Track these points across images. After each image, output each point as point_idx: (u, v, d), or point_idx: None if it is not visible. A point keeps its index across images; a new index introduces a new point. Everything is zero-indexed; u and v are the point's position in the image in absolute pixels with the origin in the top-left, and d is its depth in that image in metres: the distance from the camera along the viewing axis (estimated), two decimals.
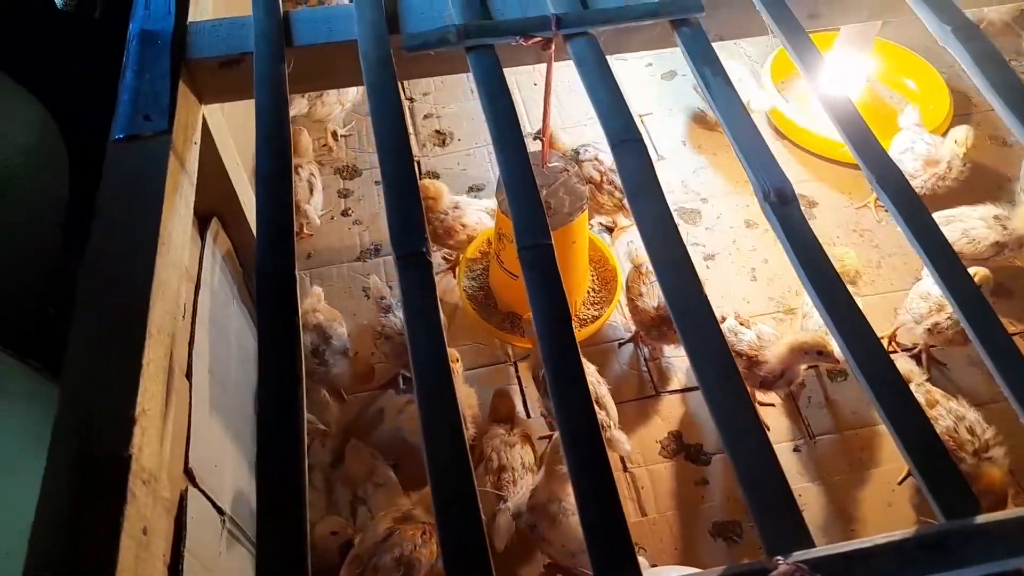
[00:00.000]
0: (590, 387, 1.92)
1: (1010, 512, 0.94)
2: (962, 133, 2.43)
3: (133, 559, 0.97)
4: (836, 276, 1.16)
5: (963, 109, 2.94)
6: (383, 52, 1.43)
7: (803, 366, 1.95)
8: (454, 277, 2.36)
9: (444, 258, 2.59)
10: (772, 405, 2.19)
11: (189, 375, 1.49)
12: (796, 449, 2.12)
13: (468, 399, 2.00)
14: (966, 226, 2.25)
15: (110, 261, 1.16)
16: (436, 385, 1.04)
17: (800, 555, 0.89)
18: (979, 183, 2.67)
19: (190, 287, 1.60)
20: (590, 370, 1.96)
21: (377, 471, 1.88)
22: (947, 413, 1.90)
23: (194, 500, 1.38)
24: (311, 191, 2.44)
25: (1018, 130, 1.30)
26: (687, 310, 1.11)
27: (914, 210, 1.23)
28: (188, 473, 1.39)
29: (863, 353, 1.09)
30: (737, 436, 1.00)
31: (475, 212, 2.26)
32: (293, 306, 1.11)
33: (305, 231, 2.49)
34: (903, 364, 1.98)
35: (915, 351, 2.28)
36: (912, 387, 1.87)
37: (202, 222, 1.75)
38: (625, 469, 2.09)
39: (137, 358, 1.03)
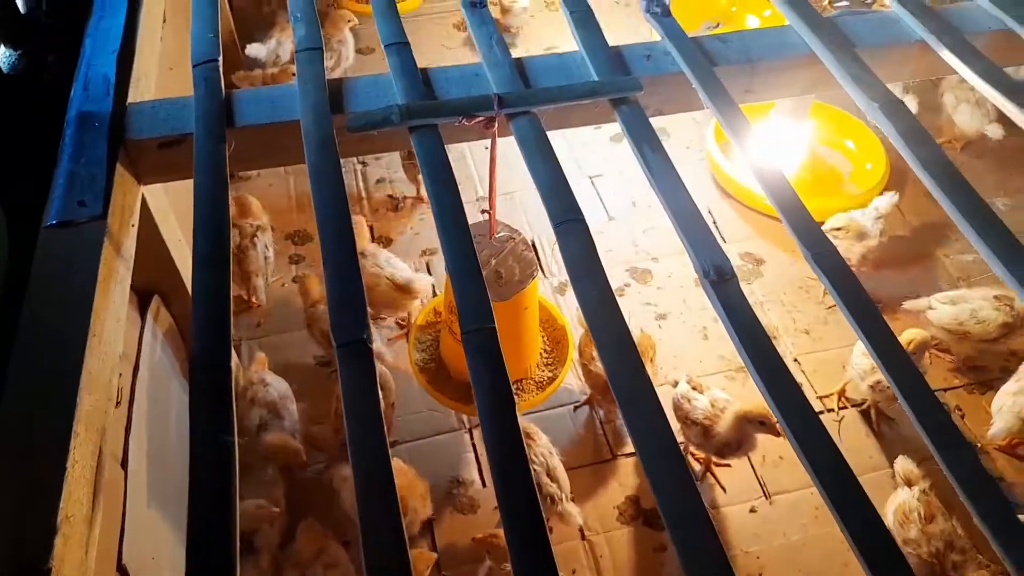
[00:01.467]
0: (542, 459, 1.93)
1: None
2: (884, 202, 2.56)
3: None
4: (771, 346, 1.17)
5: (900, 164, 3.05)
6: (326, 131, 1.43)
7: (755, 433, 1.97)
8: (407, 342, 2.34)
9: (398, 323, 2.58)
10: (728, 465, 2.19)
11: (124, 464, 1.44)
12: (753, 510, 2.12)
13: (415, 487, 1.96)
14: (973, 307, 2.28)
15: (37, 354, 1.12)
16: (377, 485, 1.02)
17: None
18: (916, 243, 2.77)
19: (128, 369, 1.55)
20: (542, 441, 1.94)
21: (328, 551, 1.82)
22: (939, 534, 1.83)
23: None
24: (264, 260, 2.41)
25: (944, 201, 1.35)
26: (629, 389, 1.11)
27: (843, 279, 1.26)
28: (121, 571, 1.33)
29: (801, 426, 1.10)
30: (675, 507, 0.99)
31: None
32: (227, 400, 1.08)
33: (254, 302, 2.46)
34: (904, 465, 1.97)
35: (863, 407, 2.31)
36: (915, 492, 1.89)
37: (142, 299, 1.71)
38: (583, 537, 2.06)
39: (61, 462, 0.99)
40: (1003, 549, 0.98)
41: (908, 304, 2.38)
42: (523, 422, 1.99)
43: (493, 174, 1.73)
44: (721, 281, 1.25)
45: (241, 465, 1.98)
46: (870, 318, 1.23)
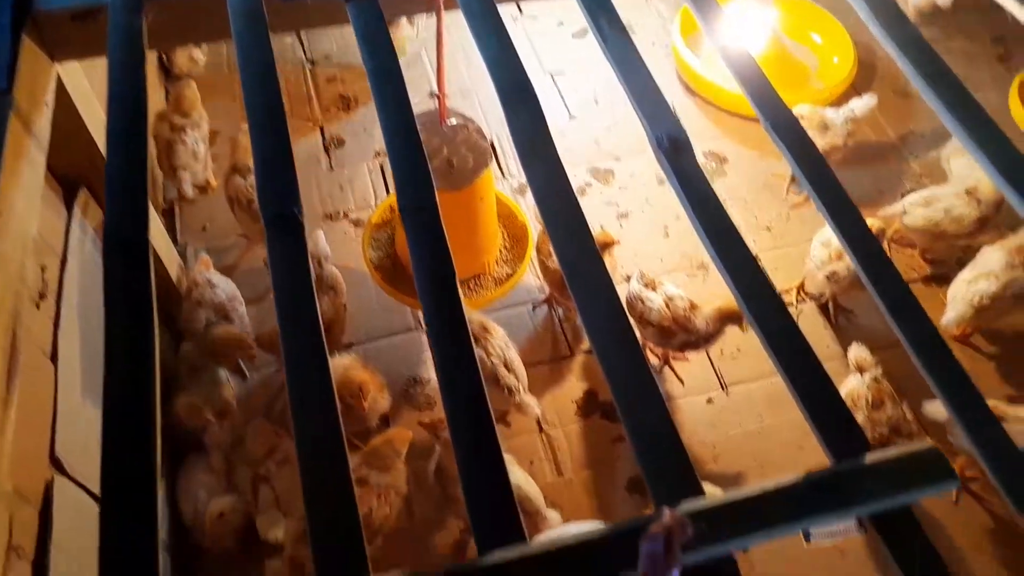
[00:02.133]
0: (499, 351, 1.90)
1: (898, 450, 0.94)
2: (862, 105, 2.50)
3: None
4: (730, 225, 1.13)
5: (868, 60, 2.97)
6: (253, 2, 1.32)
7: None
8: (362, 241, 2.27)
9: (353, 224, 2.50)
10: (686, 359, 2.19)
11: (54, 358, 1.38)
12: (709, 401, 2.13)
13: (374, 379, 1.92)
14: (946, 206, 2.24)
15: None
16: (309, 371, 0.97)
17: (688, 506, 0.86)
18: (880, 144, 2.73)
19: (54, 262, 1.47)
20: (498, 334, 1.91)
21: (280, 448, 1.80)
22: (886, 420, 1.86)
23: (63, 490, 1.27)
24: (194, 156, 2.28)
25: (919, 83, 1.28)
26: (581, 273, 1.06)
27: (812, 161, 1.20)
28: (55, 462, 1.28)
29: (756, 301, 1.07)
30: (629, 394, 0.96)
31: None
32: (146, 276, 1.01)
33: (188, 195, 2.33)
34: (857, 352, 1.97)
35: (822, 300, 2.31)
36: (866, 378, 1.90)
37: (68, 192, 1.61)
38: (541, 430, 2.06)
39: None
40: (955, 410, 0.97)
41: (881, 212, 2.35)
42: (479, 316, 1.96)
43: (440, 53, 1.63)
44: (675, 151, 1.19)
45: (190, 368, 1.93)
46: (829, 189, 1.18)
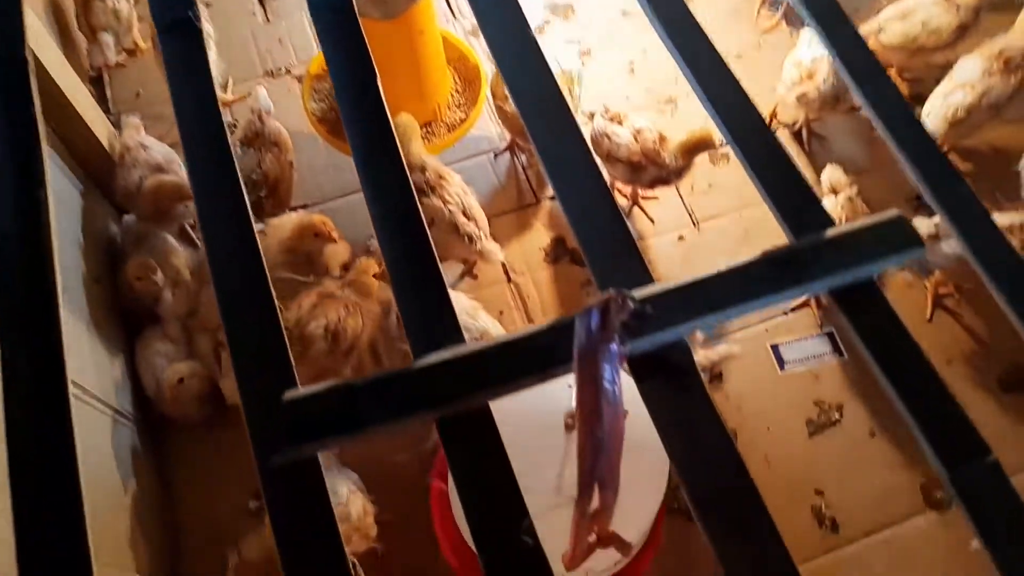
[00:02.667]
0: (456, 198, 1.80)
1: (861, 222, 0.87)
2: None
3: None
4: (713, 50, 1.00)
5: None
6: None
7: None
8: (301, 94, 2.13)
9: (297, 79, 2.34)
10: (656, 198, 2.11)
11: None
12: (681, 238, 2.07)
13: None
14: (923, 18, 2.07)
15: None
16: (213, 171, 0.87)
17: (638, 292, 0.80)
18: None
19: None
20: (454, 180, 1.81)
21: None
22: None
23: None
24: (115, 16, 2.10)
25: None
26: (540, 113, 0.94)
27: None
28: None
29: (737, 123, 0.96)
30: (567, 178, 0.87)
31: None
32: (28, 95, 0.90)
33: (111, 61, 2.16)
34: (832, 173, 1.90)
35: (795, 127, 2.21)
36: (840, 198, 1.84)
37: None
38: (509, 280, 2.00)
39: None
40: (948, 215, 0.89)
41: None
42: (434, 162, 1.85)
43: None
44: None
45: (135, 238, 1.84)
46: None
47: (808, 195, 0.88)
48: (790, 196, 0.88)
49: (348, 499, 1.50)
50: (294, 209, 2.03)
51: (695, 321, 0.79)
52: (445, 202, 1.78)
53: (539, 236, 2.07)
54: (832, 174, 1.89)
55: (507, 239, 2.04)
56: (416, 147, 1.78)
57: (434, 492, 1.46)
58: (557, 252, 2.04)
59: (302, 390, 0.74)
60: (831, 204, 1.84)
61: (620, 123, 1.92)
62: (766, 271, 0.83)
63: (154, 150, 1.85)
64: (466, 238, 1.78)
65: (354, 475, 1.59)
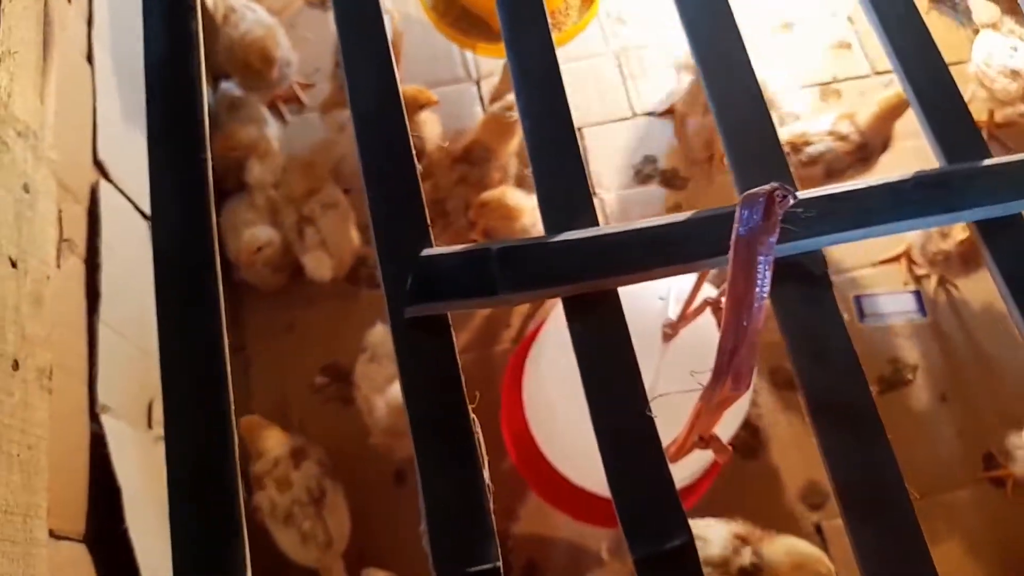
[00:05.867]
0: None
1: (1014, 156, 0.83)
2: None
3: (13, 216, 0.84)
4: None
5: None
6: None
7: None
8: None
9: None
10: None
11: (90, 59, 1.29)
12: None
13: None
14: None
15: None
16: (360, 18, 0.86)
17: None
18: None
19: None
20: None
21: (326, 190, 1.75)
22: None
23: (108, 194, 1.24)
24: None
25: None
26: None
27: None
28: (98, 165, 1.24)
29: None
30: (711, 54, 0.84)
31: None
32: None
33: None
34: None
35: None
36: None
37: None
38: (595, 194, 1.98)
39: None
40: None
41: None
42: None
43: None
44: None
45: (229, 105, 1.86)
46: None
47: (967, 121, 0.84)
48: (947, 119, 0.84)
49: None
50: None
51: (839, 234, 0.77)
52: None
53: (630, 153, 2.03)
54: None
55: (597, 152, 2.01)
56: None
57: (506, 391, 1.48)
58: (648, 172, 2.01)
59: (438, 249, 0.75)
60: None
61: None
62: (915, 192, 0.80)
63: (260, 14, 1.83)
64: None
65: None
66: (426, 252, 0.75)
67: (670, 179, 1.98)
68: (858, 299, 1.91)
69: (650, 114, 2.05)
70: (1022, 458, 1.57)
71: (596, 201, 1.98)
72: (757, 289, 0.65)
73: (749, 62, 0.84)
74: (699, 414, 0.72)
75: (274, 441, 1.54)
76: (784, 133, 1.73)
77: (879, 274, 1.91)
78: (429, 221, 0.77)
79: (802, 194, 0.78)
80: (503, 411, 1.44)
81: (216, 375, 0.70)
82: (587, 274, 0.75)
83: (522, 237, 1.37)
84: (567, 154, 0.81)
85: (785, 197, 0.66)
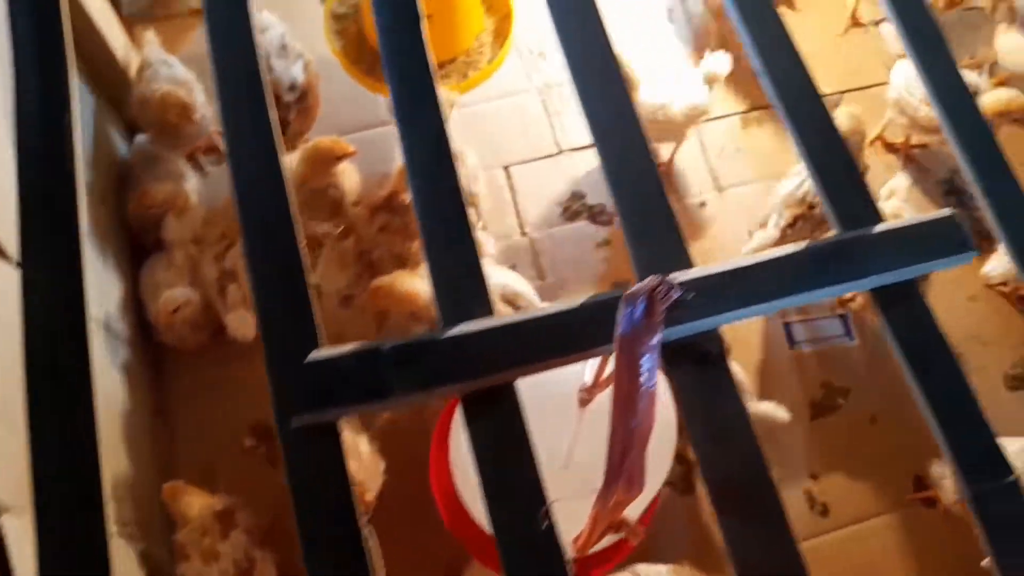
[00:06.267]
0: (464, 180, 1.73)
1: (908, 220, 0.84)
2: None
3: None
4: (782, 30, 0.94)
5: None
6: None
7: None
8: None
9: None
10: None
11: None
12: (703, 204, 2.03)
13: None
14: None
15: None
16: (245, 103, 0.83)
17: (678, 276, 0.77)
18: None
19: None
20: (469, 163, 1.74)
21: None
22: None
23: None
24: None
25: None
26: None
27: None
28: None
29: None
30: (615, 148, 0.84)
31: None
32: (57, 15, 0.86)
33: None
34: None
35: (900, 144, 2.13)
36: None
37: None
38: (523, 233, 1.97)
39: None
40: None
41: None
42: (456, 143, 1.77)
43: None
44: None
45: (144, 159, 1.79)
46: None
47: (860, 187, 0.85)
48: (842, 187, 0.85)
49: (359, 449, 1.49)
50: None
51: (735, 312, 0.77)
52: None
53: (557, 189, 2.02)
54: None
55: (526, 192, 2.00)
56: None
57: (434, 450, 1.45)
58: (575, 208, 2.00)
59: (326, 351, 0.72)
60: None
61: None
62: (809, 264, 0.80)
63: (177, 68, 1.78)
64: None
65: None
66: (314, 355, 0.72)
67: (597, 215, 1.98)
68: (787, 326, 1.93)
69: (576, 148, 2.05)
70: (948, 487, 1.60)
71: (525, 241, 1.96)
72: (643, 387, 0.65)
73: (646, 143, 0.84)
74: (597, 517, 0.70)
75: (198, 507, 1.48)
76: None
77: None
78: (318, 321, 0.74)
79: (695, 272, 0.78)
80: (431, 472, 1.41)
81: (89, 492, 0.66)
82: (484, 369, 0.73)
83: (420, 320, 1.35)
84: (461, 244, 0.79)
85: (668, 292, 0.66)
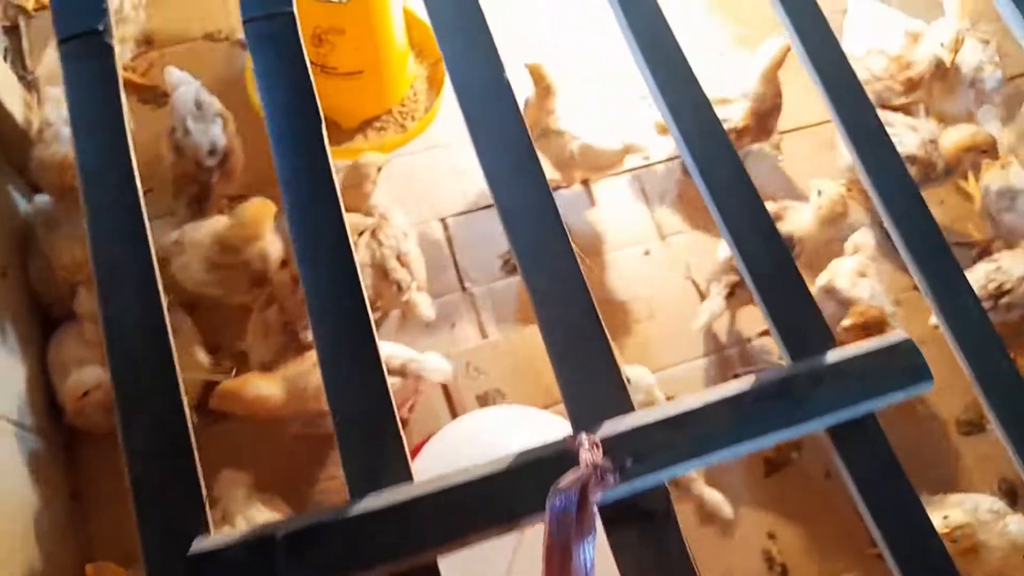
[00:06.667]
0: (393, 241, 1.63)
1: (862, 346, 0.77)
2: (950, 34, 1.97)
3: None
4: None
5: None
6: None
7: None
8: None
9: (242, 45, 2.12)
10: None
11: None
12: (647, 252, 1.96)
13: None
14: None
15: None
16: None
17: (613, 424, 0.69)
18: None
19: None
20: (396, 222, 1.65)
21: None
22: None
23: None
24: None
25: None
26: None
27: None
28: None
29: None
30: (541, 259, 0.76)
31: None
32: None
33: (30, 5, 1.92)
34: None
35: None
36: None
37: None
38: (464, 289, 1.88)
39: None
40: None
41: None
42: (383, 205, 1.67)
43: None
44: None
45: (46, 222, 1.65)
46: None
47: (809, 309, 0.79)
48: (791, 313, 0.78)
49: None
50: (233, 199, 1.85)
51: (676, 467, 0.69)
52: (380, 244, 1.62)
53: (497, 242, 1.94)
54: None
55: (464, 246, 1.91)
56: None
57: None
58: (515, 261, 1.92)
59: (211, 540, 0.62)
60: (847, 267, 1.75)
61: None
62: (756, 407, 0.73)
63: None
64: (394, 286, 1.63)
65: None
66: (198, 545, 0.62)
67: None
68: (737, 376, 1.88)
69: None
70: None
71: (466, 297, 1.88)
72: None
73: (580, 275, 0.76)
74: None
75: None
76: None
77: (757, 347, 1.89)
78: (206, 501, 0.64)
79: (637, 419, 0.70)
80: None
81: None
82: (397, 551, 0.64)
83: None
84: (370, 384, 0.70)
85: (603, 478, 0.58)
